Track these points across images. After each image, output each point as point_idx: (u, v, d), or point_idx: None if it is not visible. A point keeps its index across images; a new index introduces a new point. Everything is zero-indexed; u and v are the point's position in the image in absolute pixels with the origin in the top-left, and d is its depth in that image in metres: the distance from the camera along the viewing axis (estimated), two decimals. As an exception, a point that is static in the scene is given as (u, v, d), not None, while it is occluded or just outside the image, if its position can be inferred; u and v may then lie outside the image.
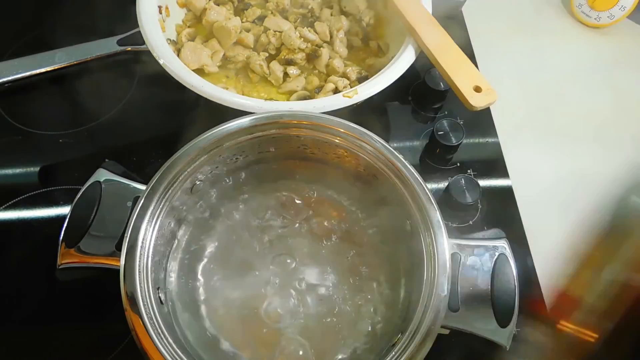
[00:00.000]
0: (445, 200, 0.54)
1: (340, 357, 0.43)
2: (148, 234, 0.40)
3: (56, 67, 0.58)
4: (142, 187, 0.44)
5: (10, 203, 0.54)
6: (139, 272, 0.38)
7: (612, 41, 0.72)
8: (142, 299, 0.37)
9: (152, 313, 0.37)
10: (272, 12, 0.62)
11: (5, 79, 0.58)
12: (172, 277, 0.44)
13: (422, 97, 0.62)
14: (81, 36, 0.60)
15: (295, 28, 0.61)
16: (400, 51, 0.55)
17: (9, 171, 0.57)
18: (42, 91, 0.61)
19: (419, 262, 0.41)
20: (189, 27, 0.62)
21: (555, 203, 0.58)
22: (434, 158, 0.59)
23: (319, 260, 0.47)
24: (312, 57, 0.60)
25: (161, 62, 0.52)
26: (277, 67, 0.59)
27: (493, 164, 0.59)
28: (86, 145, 0.59)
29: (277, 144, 0.46)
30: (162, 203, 0.41)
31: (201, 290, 0.45)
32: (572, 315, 0.49)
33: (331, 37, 0.61)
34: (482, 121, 0.62)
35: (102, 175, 0.46)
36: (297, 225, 0.48)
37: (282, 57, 0.59)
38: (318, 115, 0.45)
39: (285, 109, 0.48)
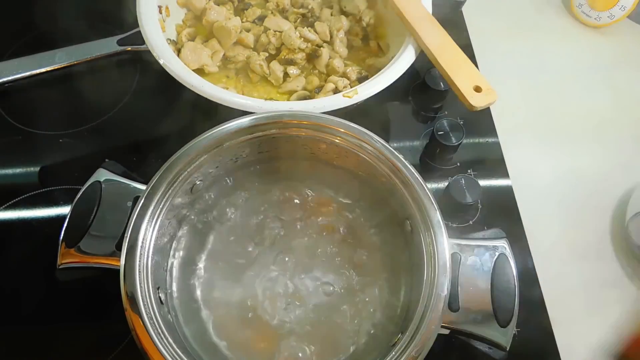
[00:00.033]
0: (445, 200, 0.54)
1: (340, 356, 0.43)
2: (148, 234, 0.40)
3: (56, 67, 0.58)
4: (142, 187, 0.44)
5: (10, 203, 0.54)
6: (139, 272, 0.38)
7: (612, 41, 0.72)
8: (142, 299, 0.37)
9: (152, 313, 0.37)
10: (272, 12, 0.62)
11: (5, 79, 0.57)
12: (172, 277, 0.44)
13: (422, 97, 0.62)
14: (81, 36, 0.60)
15: (296, 28, 0.61)
16: (400, 51, 0.55)
17: (9, 171, 0.57)
18: (42, 91, 0.61)
19: (419, 262, 0.41)
20: (189, 27, 0.62)
21: (556, 203, 0.58)
22: (434, 158, 0.59)
23: (318, 261, 0.47)
24: (312, 57, 0.60)
25: (161, 62, 0.52)
26: (277, 67, 0.59)
27: (493, 164, 0.59)
28: (86, 145, 0.59)
29: (277, 144, 0.46)
30: (162, 203, 0.41)
31: (201, 290, 0.45)
32: None
33: (331, 37, 0.61)
34: (482, 121, 0.62)
35: (102, 175, 0.46)
36: (297, 225, 0.48)
37: (282, 57, 0.59)
38: (318, 115, 0.45)
39: (285, 109, 0.48)
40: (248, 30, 0.61)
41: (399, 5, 0.57)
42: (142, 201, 0.41)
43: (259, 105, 0.49)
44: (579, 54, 0.70)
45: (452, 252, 0.41)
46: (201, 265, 0.46)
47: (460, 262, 0.41)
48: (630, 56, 0.70)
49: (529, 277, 0.52)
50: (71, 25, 0.67)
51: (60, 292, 0.50)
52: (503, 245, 0.43)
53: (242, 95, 0.50)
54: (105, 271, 0.42)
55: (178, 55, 0.56)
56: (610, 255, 0.55)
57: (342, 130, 0.44)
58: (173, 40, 0.60)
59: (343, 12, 0.63)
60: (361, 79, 0.57)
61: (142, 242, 0.39)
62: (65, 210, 0.54)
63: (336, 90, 0.57)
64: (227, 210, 0.48)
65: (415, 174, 0.42)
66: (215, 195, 0.48)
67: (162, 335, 0.37)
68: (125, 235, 0.39)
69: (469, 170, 0.58)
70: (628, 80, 0.68)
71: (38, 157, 0.58)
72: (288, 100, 0.58)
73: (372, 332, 0.43)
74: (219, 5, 0.62)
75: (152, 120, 0.59)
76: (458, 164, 0.58)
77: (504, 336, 0.40)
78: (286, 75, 0.59)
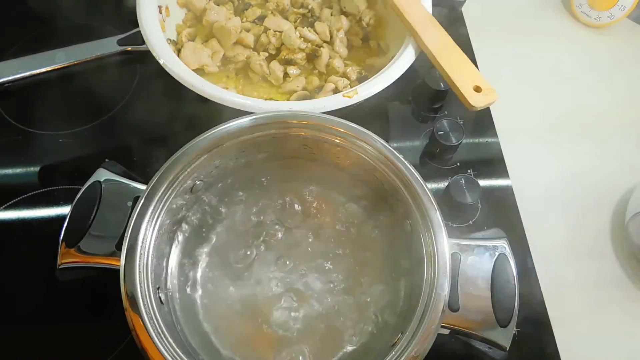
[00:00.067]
0: (445, 200, 0.54)
1: (340, 356, 0.43)
2: (148, 234, 0.40)
3: (56, 67, 0.58)
4: (142, 187, 0.44)
5: (10, 203, 0.54)
6: (139, 272, 0.38)
7: (612, 41, 0.71)
8: (142, 299, 0.37)
9: (152, 313, 0.37)
10: (272, 12, 0.62)
11: (5, 79, 0.57)
12: (172, 277, 0.44)
13: (422, 97, 0.62)
14: (81, 36, 0.60)
15: (296, 28, 0.61)
16: (400, 51, 0.55)
17: (9, 171, 0.57)
18: (42, 91, 0.61)
19: (419, 262, 0.41)
20: (189, 27, 0.62)
21: (556, 203, 0.58)
22: (434, 158, 0.59)
23: (318, 261, 0.47)
24: (312, 57, 0.60)
25: (161, 62, 0.52)
26: (277, 67, 0.59)
27: (493, 164, 0.59)
28: (86, 145, 0.59)
29: (277, 144, 0.46)
30: (162, 203, 0.41)
31: (201, 290, 0.45)
32: None
33: (331, 37, 0.61)
34: (482, 121, 0.62)
35: (102, 175, 0.46)
36: (297, 225, 0.48)
37: (282, 57, 0.59)
38: (318, 115, 0.45)
39: (285, 109, 0.48)
40: (248, 30, 0.61)
41: (399, 6, 0.57)
42: (142, 201, 0.41)
43: (259, 105, 0.49)
44: (579, 54, 0.70)
45: (452, 252, 0.41)
46: (201, 265, 0.46)
47: (460, 262, 0.41)
48: (630, 56, 0.70)
49: (529, 277, 0.52)
50: (71, 25, 0.67)
51: (60, 292, 0.50)
52: (503, 245, 0.43)
53: (242, 95, 0.50)
54: (105, 271, 0.42)
55: (178, 55, 0.56)
56: (610, 255, 0.55)
57: (342, 130, 0.44)
58: (173, 40, 0.60)
59: (343, 12, 0.63)
60: (361, 79, 0.57)
61: (142, 242, 0.39)
62: (65, 210, 0.54)
63: (336, 90, 0.57)
64: (227, 210, 0.48)
65: (415, 174, 0.42)
66: (216, 196, 0.48)
67: (162, 335, 0.37)
68: (125, 235, 0.39)
69: (469, 170, 0.58)
70: (628, 80, 0.68)
71: (38, 157, 0.58)
72: (288, 100, 0.58)
73: (372, 332, 0.43)
74: (219, 5, 0.62)
75: (152, 120, 0.59)
76: (458, 164, 0.58)
77: (504, 336, 0.40)
78: (286, 75, 0.59)
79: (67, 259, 0.43)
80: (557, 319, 0.50)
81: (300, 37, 0.60)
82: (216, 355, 0.42)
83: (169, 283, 0.44)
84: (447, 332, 0.40)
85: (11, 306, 0.50)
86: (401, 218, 0.44)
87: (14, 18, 0.69)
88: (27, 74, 0.58)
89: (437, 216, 0.41)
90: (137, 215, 0.40)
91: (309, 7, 0.63)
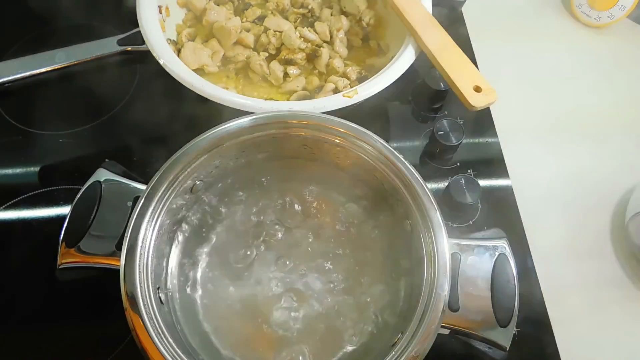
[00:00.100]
0: (445, 200, 0.54)
1: (340, 356, 0.43)
2: (148, 234, 0.40)
3: (56, 67, 0.58)
4: (142, 187, 0.44)
5: (10, 203, 0.54)
6: (139, 272, 0.38)
7: (612, 41, 0.71)
8: (142, 299, 0.37)
9: (152, 313, 0.37)
10: (272, 12, 0.62)
11: (5, 79, 0.57)
12: (172, 277, 0.44)
13: (422, 97, 0.62)
14: (81, 36, 0.60)
15: (295, 28, 0.61)
16: (400, 51, 0.55)
17: (9, 171, 0.57)
18: (42, 91, 0.61)
19: (419, 262, 0.41)
20: (189, 27, 0.62)
21: (556, 203, 0.58)
22: (434, 158, 0.59)
23: (318, 261, 0.47)
24: (312, 57, 0.60)
25: (161, 62, 0.52)
26: (277, 67, 0.59)
27: (493, 164, 0.59)
28: (86, 145, 0.59)
29: (277, 144, 0.46)
30: (162, 203, 0.41)
31: (201, 290, 0.45)
32: None
33: (331, 37, 0.61)
34: (482, 121, 0.62)
35: (102, 175, 0.46)
36: (297, 225, 0.48)
37: (282, 57, 0.59)
38: (318, 115, 0.45)
39: (285, 109, 0.48)
40: (248, 30, 0.61)
41: (399, 6, 0.57)
42: (142, 201, 0.41)
43: (259, 105, 0.49)
44: (579, 54, 0.70)
45: (452, 252, 0.41)
46: (201, 265, 0.46)
47: (460, 262, 0.41)
48: (630, 56, 0.70)
49: (529, 277, 0.52)
50: (71, 25, 0.67)
51: (60, 292, 0.50)
52: (503, 245, 0.43)
53: (242, 95, 0.50)
54: (105, 271, 0.42)
55: (178, 55, 0.56)
56: (610, 255, 0.55)
57: (342, 130, 0.44)
58: (173, 40, 0.60)
59: (343, 12, 0.63)
60: (361, 79, 0.57)
61: (142, 242, 0.39)
62: (65, 210, 0.54)
63: (336, 90, 0.57)
64: (227, 210, 0.48)
65: (415, 174, 0.42)
66: (216, 196, 0.48)
67: (162, 335, 0.37)
68: (125, 235, 0.39)
69: (468, 170, 0.58)
70: (628, 80, 0.68)
71: (38, 157, 0.58)
72: (288, 100, 0.58)
73: (372, 332, 0.43)
74: (219, 5, 0.62)
75: (152, 120, 0.59)
76: (458, 164, 0.58)
77: (504, 336, 0.40)
78: (286, 75, 0.59)
79: (67, 259, 0.43)
80: (557, 319, 0.50)
81: (300, 37, 0.60)
82: (216, 355, 0.42)
83: (169, 283, 0.44)
84: (447, 332, 0.40)
85: (11, 306, 0.50)
86: (401, 218, 0.44)
87: (14, 18, 0.69)
88: (27, 74, 0.58)
89: (437, 216, 0.41)
90: (137, 215, 0.40)
91: (309, 7, 0.63)
